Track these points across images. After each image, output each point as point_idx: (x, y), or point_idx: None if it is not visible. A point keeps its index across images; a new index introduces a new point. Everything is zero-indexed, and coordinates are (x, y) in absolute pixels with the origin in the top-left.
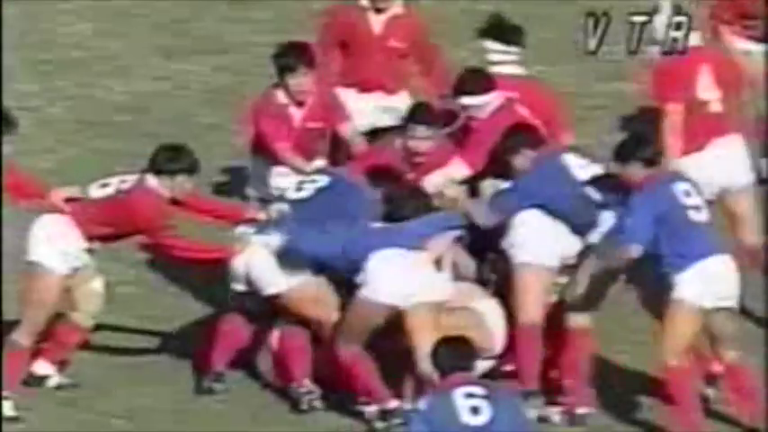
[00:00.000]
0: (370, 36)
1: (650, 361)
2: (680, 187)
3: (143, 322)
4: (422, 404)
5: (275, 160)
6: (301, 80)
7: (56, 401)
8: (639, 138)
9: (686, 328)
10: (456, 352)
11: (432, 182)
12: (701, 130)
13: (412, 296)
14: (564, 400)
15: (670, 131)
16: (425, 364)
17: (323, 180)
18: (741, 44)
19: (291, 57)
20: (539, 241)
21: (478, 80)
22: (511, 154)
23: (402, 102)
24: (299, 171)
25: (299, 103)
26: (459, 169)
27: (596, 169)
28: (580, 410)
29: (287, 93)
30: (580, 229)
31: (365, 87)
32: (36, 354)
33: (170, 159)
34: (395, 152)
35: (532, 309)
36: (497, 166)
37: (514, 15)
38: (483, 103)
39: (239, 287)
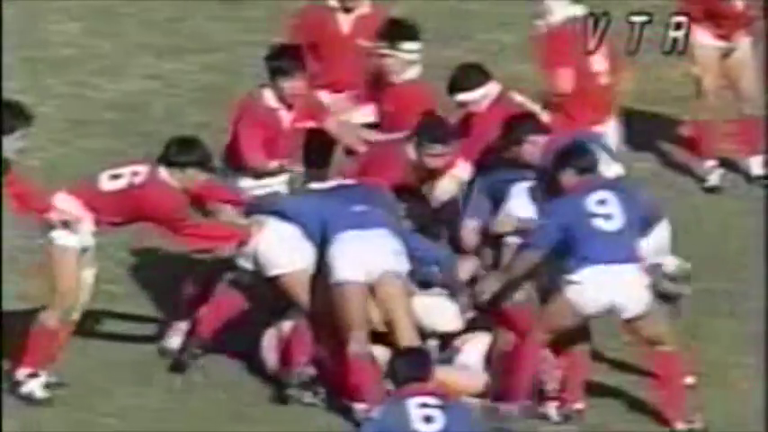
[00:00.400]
0: (339, 36)
1: (643, 358)
2: (595, 197)
3: (131, 320)
4: (375, 412)
5: (250, 168)
6: (296, 84)
7: (47, 396)
8: (577, 147)
9: (560, 321)
10: (412, 363)
11: (443, 188)
12: (600, 104)
13: (375, 270)
14: (559, 396)
15: (557, 95)
16: (408, 335)
17: (349, 181)
18: (712, 43)
19: (287, 60)
20: None
21: (472, 75)
22: (518, 144)
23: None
24: (272, 174)
25: (290, 106)
26: (464, 169)
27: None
28: (574, 406)
29: (278, 95)
30: None
31: (336, 88)
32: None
33: (181, 152)
34: (405, 160)
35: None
36: (502, 158)
37: (500, 15)
38: (479, 97)
39: (247, 265)
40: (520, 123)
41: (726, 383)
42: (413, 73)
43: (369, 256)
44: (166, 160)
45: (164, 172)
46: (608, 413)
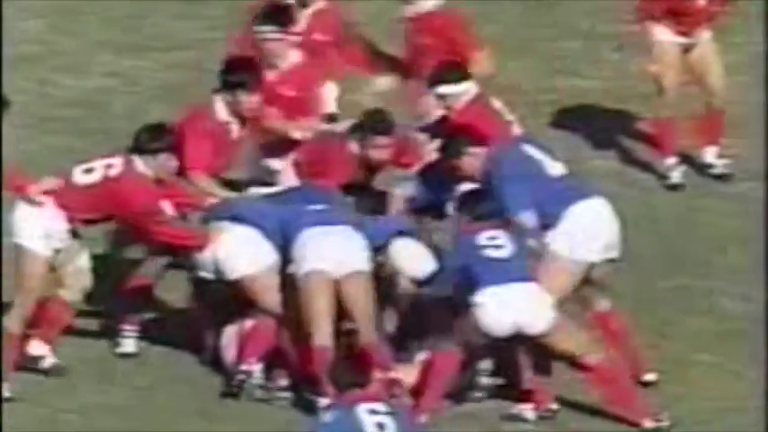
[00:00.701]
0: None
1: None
2: (486, 234)
3: (94, 317)
4: (327, 416)
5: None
6: (254, 98)
7: (11, 396)
8: (476, 195)
9: (471, 338)
10: (353, 369)
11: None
12: None
13: (343, 264)
14: (534, 398)
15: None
16: (369, 334)
17: (299, 184)
18: (673, 39)
19: (247, 73)
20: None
21: (455, 70)
22: (457, 158)
23: (329, 93)
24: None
25: (244, 120)
26: None
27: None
28: (549, 407)
29: (232, 108)
30: None
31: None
32: (29, 335)
33: (151, 139)
34: (350, 157)
35: None
36: (445, 171)
37: (467, 15)
38: (460, 92)
39: (206, 274)
40: (457, 137)
41: (692, 381)
42: (295, 56)
43: (335, 251)
44: (138, 149)
45: (138, 162)
46: (572, 413)
